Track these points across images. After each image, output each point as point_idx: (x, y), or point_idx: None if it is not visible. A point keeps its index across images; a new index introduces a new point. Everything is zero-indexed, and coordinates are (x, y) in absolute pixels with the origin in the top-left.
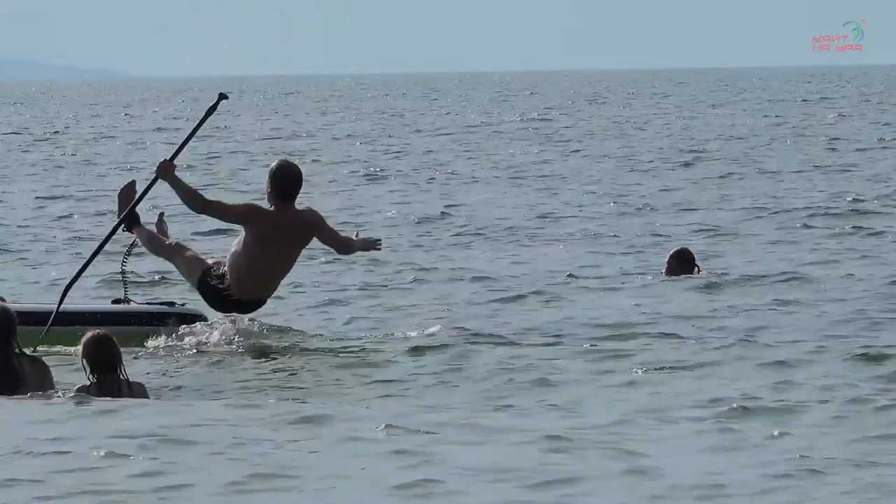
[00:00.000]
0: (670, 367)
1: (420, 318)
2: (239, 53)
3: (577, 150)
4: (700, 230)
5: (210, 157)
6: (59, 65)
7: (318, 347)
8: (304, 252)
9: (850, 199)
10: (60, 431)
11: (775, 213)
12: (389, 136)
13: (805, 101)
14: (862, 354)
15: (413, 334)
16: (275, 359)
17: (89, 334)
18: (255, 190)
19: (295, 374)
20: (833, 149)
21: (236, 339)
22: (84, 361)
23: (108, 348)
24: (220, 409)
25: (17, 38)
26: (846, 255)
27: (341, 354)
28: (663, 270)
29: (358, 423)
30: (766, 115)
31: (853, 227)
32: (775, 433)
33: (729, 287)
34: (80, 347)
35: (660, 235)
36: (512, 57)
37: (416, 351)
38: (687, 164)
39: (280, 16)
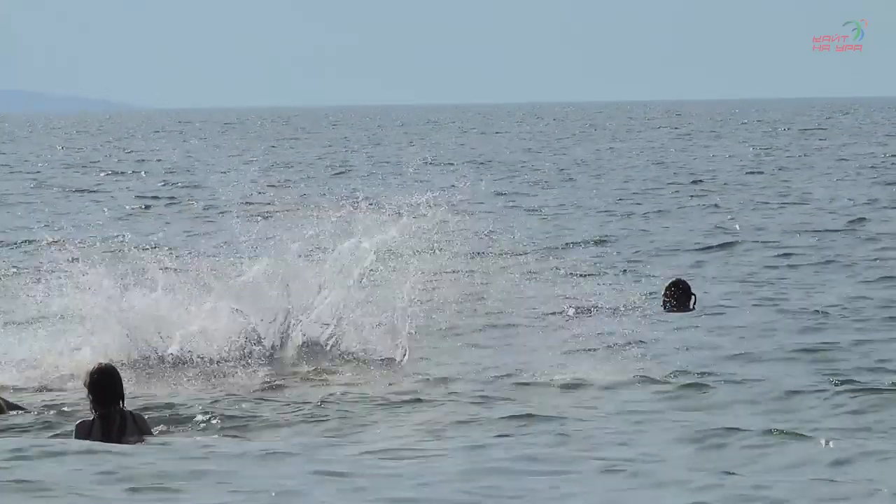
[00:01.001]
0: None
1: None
2: (241, 85)
3: (568, 181)
4: (683, 258)
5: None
6: (60, 96)
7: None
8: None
9: (813, 231)
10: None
11: (745, 243)
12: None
13: (802, 130)
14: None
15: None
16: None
17: (96, 366)
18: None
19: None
20: (814, 179)
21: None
22: (90, 394)
23: (116, 381)
24: (214, 444)
25: (19, 69)
26: (818, 286)
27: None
28: (661, 302)
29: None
30: (756, 146)
31: (824, 259)
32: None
33: (722, 319)
34: (85, 379)
35: (639, 263)
36: (512, 89)
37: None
38: (676, 193)
39: (283, 48)
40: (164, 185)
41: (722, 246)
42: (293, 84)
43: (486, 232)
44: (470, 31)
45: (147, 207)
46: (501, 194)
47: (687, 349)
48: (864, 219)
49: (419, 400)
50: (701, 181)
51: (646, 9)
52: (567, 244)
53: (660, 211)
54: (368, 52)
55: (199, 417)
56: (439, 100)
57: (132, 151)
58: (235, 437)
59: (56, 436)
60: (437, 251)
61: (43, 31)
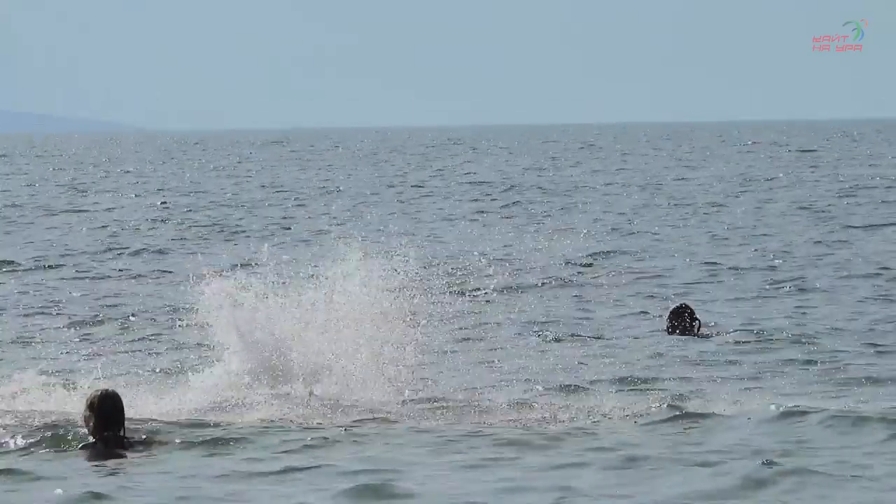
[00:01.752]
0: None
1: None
2: (242, 86)
3: (554, 202)
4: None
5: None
6: (64, 117)
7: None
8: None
9: (778, 259)
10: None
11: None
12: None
13: (801, 151)
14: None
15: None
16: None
17: (100, 391)
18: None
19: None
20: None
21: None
22: (94, 418)
23: (119, 406)
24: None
25: (23, 91)
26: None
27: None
28: (665, 327)
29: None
30: (750, 168)
31: (797, 287)
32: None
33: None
34: (89, 402)
35: (627, 286)
36: (513, 104)
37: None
38: (663, 215)
39: (282, 48)
40: (151, 207)
41: (709, 269)
42: (293, 84)
43: (468, 253)
44: (472, 34)
45: (137, 229)
46: (483, 213)
47: (689, 374)
48: (846, 241)
49: (397, 420)
50: (688, 204)
51: (650, 29)
52: (555, 265)
53: (651, 233)
54: (368, 53)
55: (192, 439)
56: (439, 101)
57: (128, 172)
58: (226, 458)
59: (49, 454)
60: (418, 271)
61: (44, 39)
